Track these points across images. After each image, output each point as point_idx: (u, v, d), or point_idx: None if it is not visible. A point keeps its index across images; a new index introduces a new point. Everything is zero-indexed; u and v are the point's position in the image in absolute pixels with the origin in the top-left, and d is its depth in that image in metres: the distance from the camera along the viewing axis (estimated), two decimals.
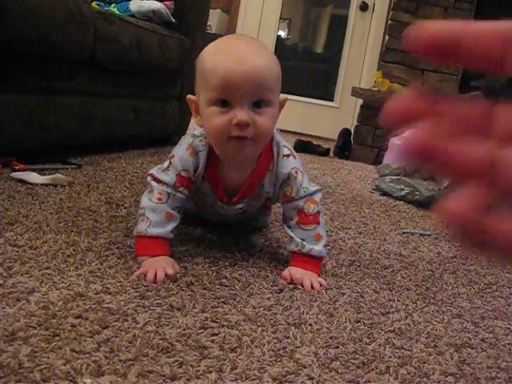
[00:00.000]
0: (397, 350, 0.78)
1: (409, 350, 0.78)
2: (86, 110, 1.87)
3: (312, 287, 0.97)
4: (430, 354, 0.78)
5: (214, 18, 4.40)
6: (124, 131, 2.17)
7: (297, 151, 1.13)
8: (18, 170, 1.48)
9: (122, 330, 0.70)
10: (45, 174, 1.47)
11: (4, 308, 0.71)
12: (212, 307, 0.83)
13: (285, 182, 1.06)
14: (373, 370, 0.71)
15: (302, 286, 0.97)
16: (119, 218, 1.23)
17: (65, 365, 0.60)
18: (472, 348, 0.84)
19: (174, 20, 2.41)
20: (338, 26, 4.46)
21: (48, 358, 0.61)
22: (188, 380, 0.61)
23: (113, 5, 2.32)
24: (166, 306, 0.80)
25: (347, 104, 4.23)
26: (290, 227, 1.07)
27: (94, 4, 2.14)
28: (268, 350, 0.71)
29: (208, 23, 3.48)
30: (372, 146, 3.65)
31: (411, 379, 0.70)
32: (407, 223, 1.72)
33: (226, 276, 0.97)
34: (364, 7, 4.27)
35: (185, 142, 1.08)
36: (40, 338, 0.65)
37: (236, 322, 0.78)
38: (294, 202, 1.06)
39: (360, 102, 3.75)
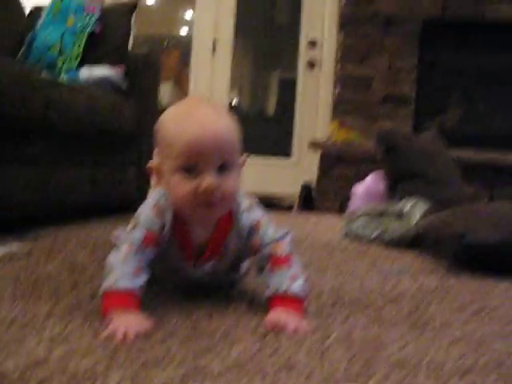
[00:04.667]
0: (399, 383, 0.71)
1: (411, 382, 0.71)
2: (41, 180, 1.80)
3: (296, 330, 0.90)
4: None
5: (166, 89, 4.44)
6: (82, 200, 2.09)
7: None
8: None
9: None
10: None
11: None
12: (192, 359, 0.74)
13: (249, 235, 1.03)
14: None
15: (286, 330, 0.90)
16: (82, 283, 1.14)
17: None
18: (476, 374, 0.77)
19: (124, 86, 2.40)
20: (288, 86, 4.52)
21: None
22: None
23: (62, 75, 2.29)
24: (141, 363, 0.72)
25: (306, 158, 4.24)
26: (263, 275, 1.01)
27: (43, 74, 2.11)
28: None
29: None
30: (335, 195, 3.64)
31: None
32: (383, 262, 1.67)
33: (203, 327, 0.89)
34: (311, 65, 4.35)
35: (150, 202, 1.02)
36: None
37: (219, 373, 0.70)
38: (262, 251, 1.01)
39: (318, 155, 3.77)
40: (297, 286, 0.97)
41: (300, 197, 3.67)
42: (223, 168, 0.94)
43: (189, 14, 4.96)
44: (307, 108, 4.36)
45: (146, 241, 0.97)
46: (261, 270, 1.02)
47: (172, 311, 0.96)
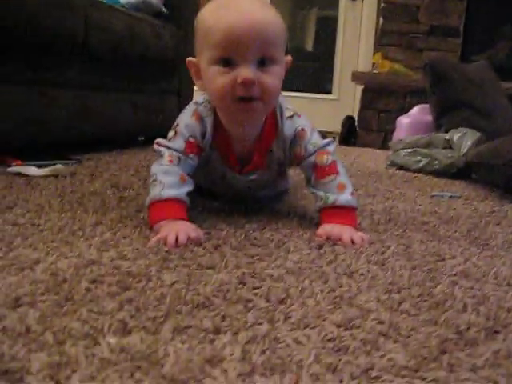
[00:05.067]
0: (468, 290, 0.66)
1: (480, 290, 0.67)
2: (81, 103, 1.77)
3: (352, 242, 0.86)
4: (506, 292, 0.67)
5: None
6: (124, 127, 2.06)
7: None
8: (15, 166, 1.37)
9: (146, 290, 0.59)
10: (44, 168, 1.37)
11: (5, 278, 0.60)
12: (247, 264, 0.71)
13: (293, 143, 0.97)
14: (449, 309, 0.59)
15: (341, 241, 0.86)
16: (128, 198, 1.12)
17: (82, 326, 0.49)
18: None
19: (165, 10, 2.32)
20: (328, 23, 4.33)
21: (61, 320, 0.50)
22: (235, 333, 0.50)
23: None
24: (195, 266, 0.69)
25: (346, 95, 4.12)
26: (311, 187, 0.97)
27: None
28: (323, 299, 0.60)
29: None
30: (378, 130, 3.54)
31: (495, 316, 0.58)
32: (433, 189, 1.61)
33: (256, 237, 0.85)
34: None
35: (189, 109, 0.99)
36: (50, 304, 0.53)
37: (278, 276, 0.67)
38: (306, 161, 0.97)
39: (359, 91, 3.65)
40: (345, 196, 0.93)
41: (343, 128, 3.57)
42: (264, 63, 0.87)
43: None
44: (349, 42, 4.19)
45: (188, 149, 0.93)
46: (308, 181, 0.98)
47: (221, 223, 0.93)
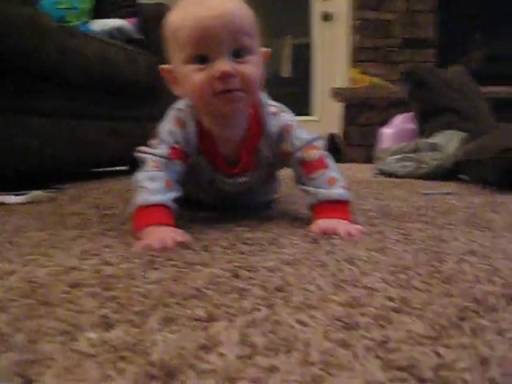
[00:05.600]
0: (478, 266, 0.62)
1: (490, 265, 0.62)
2: (57, 131, 1.72)
3: (349, 235, 0.81)
4: None
5: None
6: (105, 154, 2.02)
7: None
8: None
9: (130, 287, 0.54)
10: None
11: None
12: (240, 258, 0.66)
13: (279, 140, 0.93)
14: (461, 282, 0.55)
15: (337, 234, 0.81)
16: (110, 216, 1.06)
17: (59, 324, 0.43)
18: None
19: (139, 36, 2.30)
20: (301, 50, 4.36)
21: (35, 322, 0.44)
22: (231, 320, 0.45)
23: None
24: (183, 264, 0.64)
25: (326, 114, 4.11)
26: (301, 184, 0.93)
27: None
28: (325, 284, 0.55)
29: None
30: (362, 144, 3.52)
31: (508, 285, 0.54)
32: (424, 189, 1.57)
33: (247, 237, 0.80)
34: (326, 18, 4.16)
35: (169, 116, 0.95)
36: (23, 308, 0.48)
37: (274, 266, 0.62)
38: (293, 157, 0.92)
39: (339, 108, 3.64)
40: (337, 189, 0.89)
41: (327, 146, 3.54)
42: (239, 54, 0.83)
43: None
44: (325, 62, 4.20)
45: (172, 155, 0.89)
46: (298, 178, 0.94)
47: (209, 229, 0.88)
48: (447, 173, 1.93)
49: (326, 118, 4.14)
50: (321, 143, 0.94)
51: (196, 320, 0.45)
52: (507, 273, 0.58)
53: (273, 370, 0.35)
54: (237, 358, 0.37)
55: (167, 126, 0.92)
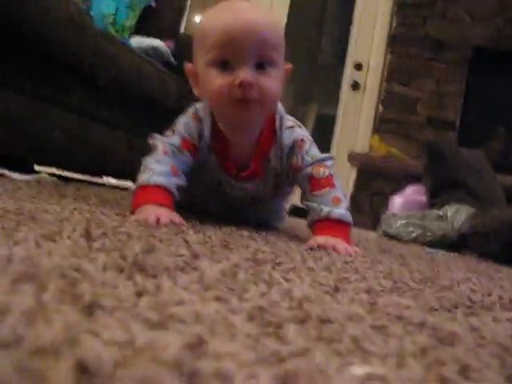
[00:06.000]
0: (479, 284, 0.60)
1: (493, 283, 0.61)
2: (76, 129, 1.74)
3: (347, 251, 0.80)
4: None
5: None
6: (118, 162, 2.03)
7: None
8: None
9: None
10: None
11: None
12: (242, 250, 0.65)
13: (290, 153, 0.94)
14: (457, 289, 0.53)
15: (335, 250, 0.80)
16: (112, 202, 1.06)
17: None
18: None
19: (174, 61, 2.35)
20: (327, 118, 4.38)
21: None
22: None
23: None
24: (189, 256, 0.62)
25: (340, 173, 4.12)
26: (306, 200, 0.93)
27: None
28: (316, 266, 0.53)
29: None
30: (370, 212, 3.52)
31: None
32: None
33: (244, 241, 0.79)
34: (355, 86, 4.23)
35: (188, 111, 0.97)
36: None
37: (278, 262, 0.60)
38: (302, 172, 0.93)
39: (353, 173, 3.67)
40: (340, 210, 0.89)
41: None
42: (262, 66, 0.85)
43: None
44: (347, 128, 4.24)
45: (184, 145, 0.90)
46: (303, 194, 0.94)
47: (209, 227, 0.87)
48: (452, 244, 1.91)
49: (339, 176, 4.13)
50: (331, 163, 0.95)
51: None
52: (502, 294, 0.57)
53: None
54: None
55: (184, 119, 0.94)
